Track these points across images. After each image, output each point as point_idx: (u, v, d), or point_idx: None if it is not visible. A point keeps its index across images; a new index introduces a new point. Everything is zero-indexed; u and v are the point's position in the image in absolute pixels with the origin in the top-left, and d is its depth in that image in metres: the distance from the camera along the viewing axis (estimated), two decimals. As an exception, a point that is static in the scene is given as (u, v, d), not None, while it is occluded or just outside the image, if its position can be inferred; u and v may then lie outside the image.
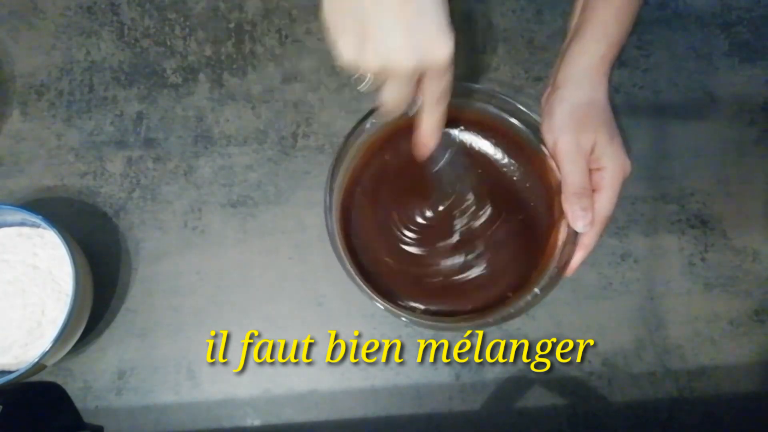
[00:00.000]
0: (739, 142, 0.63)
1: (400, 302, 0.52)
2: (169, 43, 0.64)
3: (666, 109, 0.63)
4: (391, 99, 0.42)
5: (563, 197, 0.47)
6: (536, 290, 0.49)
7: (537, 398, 0.58)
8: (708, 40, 0.64)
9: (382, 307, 0.48)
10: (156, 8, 0.65)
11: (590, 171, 0.47)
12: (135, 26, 0.64)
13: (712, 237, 0.61)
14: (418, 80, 0.41)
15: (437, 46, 0.38)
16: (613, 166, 0.47)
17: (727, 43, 0.64)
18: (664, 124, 0.63)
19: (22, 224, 0.57)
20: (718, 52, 0.64)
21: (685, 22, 0.64)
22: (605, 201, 0.47)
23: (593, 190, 0.47)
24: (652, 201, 0.61)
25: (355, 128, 0.51)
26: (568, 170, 0.47)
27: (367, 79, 0.40)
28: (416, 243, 0.53)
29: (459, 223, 0.53)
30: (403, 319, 0.49)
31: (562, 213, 0.48)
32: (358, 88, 0.41)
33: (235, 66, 0.64)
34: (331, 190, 0.50)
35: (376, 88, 0.41)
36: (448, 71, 0.40)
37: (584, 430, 0.58)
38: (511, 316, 0.49)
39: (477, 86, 0.52)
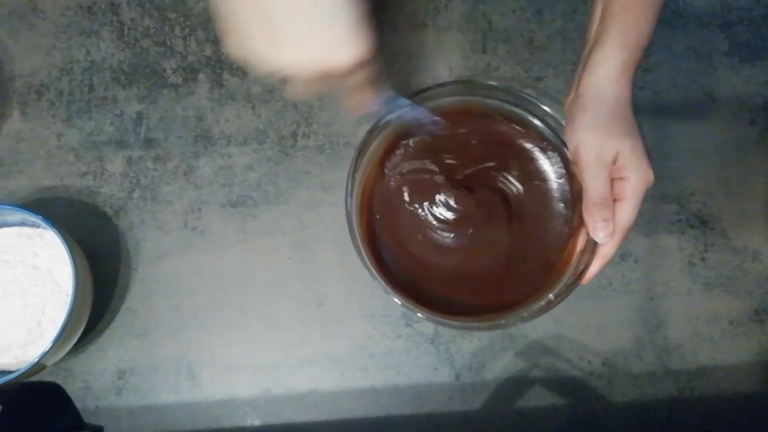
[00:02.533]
0: (739, 142, 0.63)
1: (413, 296, 0.52)
2: (169, 43, 0.64)
3: (666, 109, 0.63)
4: (297, 95, 0.43)
5: (584, 207, 0.47)
6: (551, 296, 0.49)
7: (537, 398, 0.58)
8: (708, 40, 0.64)
9: (399, 302, 0.48)
10: (156, 8, 0.65)
11: (612, 180, 0.47)
12: (135, 26, 0.64)
13: (712, 237, 0.61)
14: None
15: (342, 50, 0.38)
16: (635, 177, 0.46)
17: (727, 43, 0.64)
18: (664, 124, 0.63)
19: (22, 224, 0.57)
20: (718, 52, 0.64)
21: (685, 22, 0.64)
22: (627, 212, 0.46)
23: (615, 200, 0.47)
24: (652, 201, 0.61)
25: (378, 121, 0.51)
26: (590, 180, 0.46)
27: (268, 74, 0.40)
28: (433, 240, 0.53)
29: (477, 222, 0.53)
30: (419, 315, 0.48)
31: (582, 221, 0.48)
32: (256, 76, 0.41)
33: (235, 66, 0.64)
34: (353, 179, 0.50)
35: (280, 83, 0.41)
36: (364, 68, 0.40)
37: (584, 430, 0.58)
38: (524, 320, 0.49)
39: (503, 84, 0.52)
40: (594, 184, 0.46)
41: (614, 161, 0.46)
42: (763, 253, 0.61)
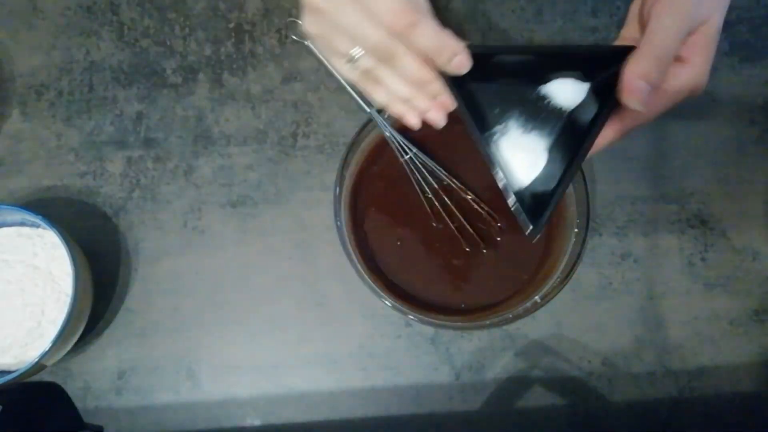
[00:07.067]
0: (739, 142, 0.63)
1: (402, 296, 0.52)
2: (169, 43, 0.64)
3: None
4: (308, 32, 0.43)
5: (636, 57, 0.37)
6: (536, 298, 0.49)
7: (537, 398, 0.58)
8: (708, 40, 0.64)
9: (389, 304, 0.49)
10: (156, 8, 0.65)
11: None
12: (135, 26, 0.64)
13: (712, 237, 0.61)
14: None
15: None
16: (694, 67, 0.38)
17: (727, 43, 0.64)
18: (664, 124, 0.63)
19: (22, 224, 0.57)
20: (718, 52, 0.63)
21: (685, 22, 0.64)
22: (695, 69, 0.38)
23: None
24: (651, 201, 0.61)
25: (368, 122, 0.51)
26: (665, 30, 0.36)
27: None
28: (422, 239, 0.53)
29: (465, 223, 0.53)
30: (410, 317, 0.49)
31: (567, 221, 0.48)
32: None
33: (235, 66, 0.64)
34: (341, 178, 0.50)
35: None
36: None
37: (584, 430, 0.58)
38: (509, 321, 0.49)
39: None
40: (667, 34, 0.36)
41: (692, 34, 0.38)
42: (763, 253, 0.61)
